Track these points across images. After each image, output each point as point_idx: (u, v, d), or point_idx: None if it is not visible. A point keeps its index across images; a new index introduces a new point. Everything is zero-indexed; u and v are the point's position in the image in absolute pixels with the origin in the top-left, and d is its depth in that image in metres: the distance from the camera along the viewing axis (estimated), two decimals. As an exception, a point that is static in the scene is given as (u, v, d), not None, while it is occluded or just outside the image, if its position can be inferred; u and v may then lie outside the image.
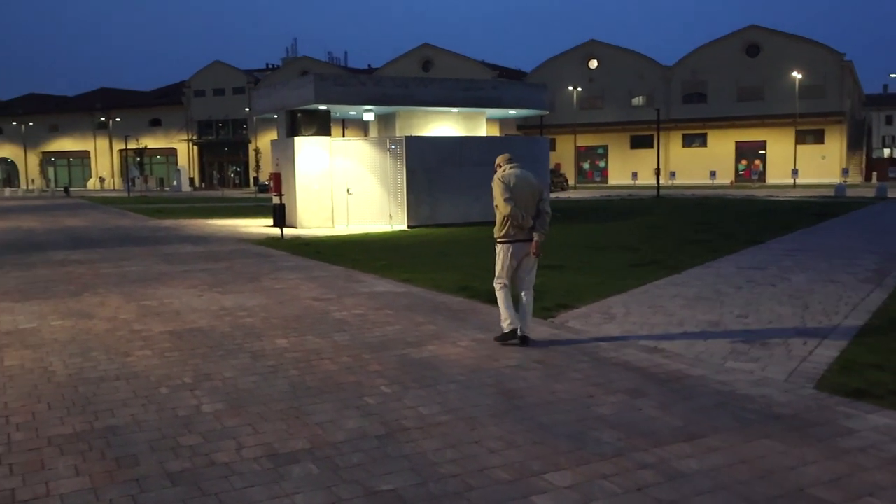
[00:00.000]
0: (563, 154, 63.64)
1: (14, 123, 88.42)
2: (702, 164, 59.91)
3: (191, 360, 6.70)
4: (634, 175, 59.26)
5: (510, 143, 25.56)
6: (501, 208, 6.96)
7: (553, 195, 26.65)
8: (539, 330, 7.68)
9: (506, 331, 7.04)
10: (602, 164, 65.65)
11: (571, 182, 60.55)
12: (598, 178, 65.39)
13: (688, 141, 62.23)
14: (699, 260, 12.85)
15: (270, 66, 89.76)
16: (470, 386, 5.79)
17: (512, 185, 6.96)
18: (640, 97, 63.58)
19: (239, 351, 7.02)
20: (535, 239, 6.92)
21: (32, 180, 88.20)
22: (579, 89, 63.16)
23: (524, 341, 7.00)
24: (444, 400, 5.45)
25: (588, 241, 16.72)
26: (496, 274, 7.13)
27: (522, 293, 7.07)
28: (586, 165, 65.99)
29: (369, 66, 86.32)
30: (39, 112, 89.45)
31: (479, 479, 4.07)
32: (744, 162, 60.84)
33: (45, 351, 7.16)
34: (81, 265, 13.80)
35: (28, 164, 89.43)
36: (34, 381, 6.14)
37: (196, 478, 4.16)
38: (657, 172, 43.24)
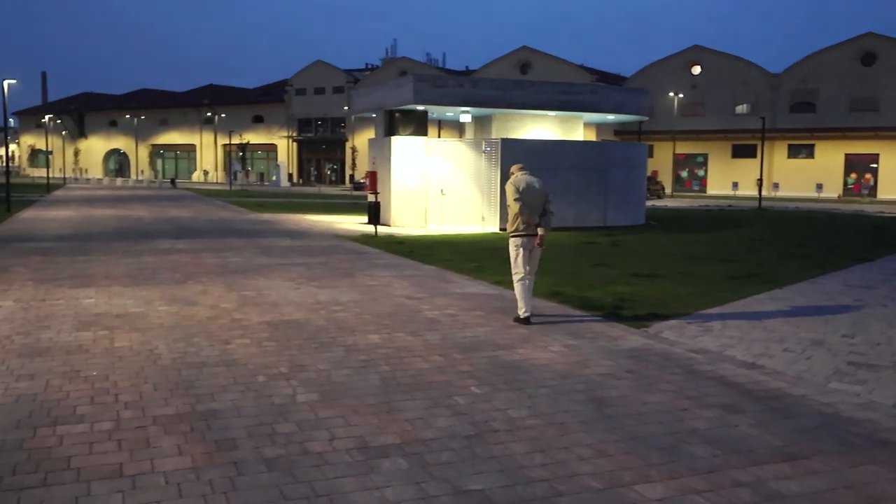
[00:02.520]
0: (661, 161, 62.26)
1: (127, 117, 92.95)
2: (808, 177, 57.53)
3: (287, 351, 6.89)
4: (735, 185, 57.46)
5: (606, 148, 25.21)
6: (512, 207, 8.24)
7: (649, 203, 26.14)
8: (631, 339, 7.57)
9: (521, 317, 8.27)
10: (701, 172, 63.89)
11: (668, 190, 59.21)
12: (696, 187, 63.68)
13: (794, 152, 59.86)
14: (803, 275, 12.36)
15: (369, 66, 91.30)
16: (560, 391, 5.75)
17: (521, 189, 8.21)
18: (745, 105, 61.56)
19: (333, 344, 7.18)
20: (539, 233, 8.19)
21: (142, 171, 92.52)
22: (680, 95, 61.68)
23: (527, 321, 8.24)
24: (533, 404, 5.43)
25: (685, 251, 16.33)
26: (513, 267, 8.36)
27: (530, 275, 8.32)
28: (684, 174, 64.37)
29: (467, 67, 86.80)
30: (151, 106, 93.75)
31: (569, 485, 4.04)
32: (853, 175, 58.09)
33: (152, 335, 7.49)
34: (186, 254, 14.38)
35: (139, 155, 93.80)
36: (141, 362, 6.44)
37: (290, 465, 4.28)
38: (759, 183, 41.78)
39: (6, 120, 28.95)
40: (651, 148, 55.76)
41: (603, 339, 7.55)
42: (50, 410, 5.14)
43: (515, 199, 8.17)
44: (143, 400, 5.41)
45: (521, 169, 8.57)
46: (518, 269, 8.26)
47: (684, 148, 62.16)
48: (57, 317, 8.29)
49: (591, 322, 8.39)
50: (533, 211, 8.18)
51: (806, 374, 6.32)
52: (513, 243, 8.32)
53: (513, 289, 8.47)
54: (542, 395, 5.66)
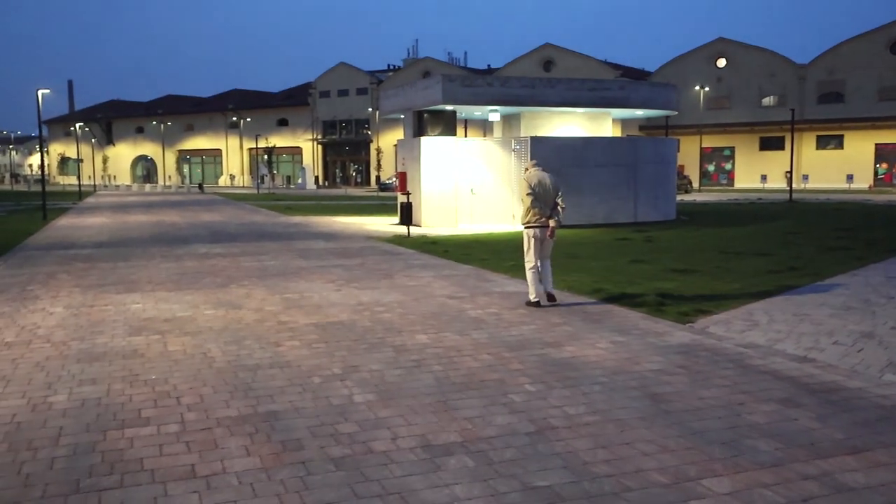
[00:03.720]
0: (687, 155, 61.73)
1: (154, 123, 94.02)
2: (837, 168, 56.81)
3: (337, 352, 6.97)
4: (763, 178, 56.89)
5: (636, 143, 25.09)
6: (525, 201, 9.03)
7: (677, 198, 25.97)
8: (678, 335, 7.57)
9: (532, 301, 9.09)
10: (728, 166, 63.35)
11: (695, 184, 58.78)
12: (723, 181, 63.15)
13: (822, 143, 59.13)
14: (843, 268, 12.25)
15: (392, 67, 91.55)
16: (614, 388, 5.77)
17: (533, 184, 9.00)
18: (771, 97, 60.93)
19: (381, 345, 7.25)
20: (551, 224, 9.01)
21: (169, 177, 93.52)
22: (706, 89, 61.21)
23: (551, 298, 9.16)
24: (589, 401, 5.46)
25: (719, 245, 16.23)
26: (525, 256, 9.19)
27: (544, 262, 9.19)
28: (711, 167, 63.86)
29: (489, 66, 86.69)
30: (177, 112, 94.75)
31: (636, 480, 4.07)
32: (884, 165, 57.26)
33: (203, 338, 7.62)
34: (224, 258, 14.55)
35: (166, 161, 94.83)
36: (197, 365, 6.55)
37: (357, 464, 4.34)
38: (789, 175, 41.35)
39: (41, 129, 29.41)
40: (677, 142, 55.33)
41: (650, 335, 7.55)
42: (116, 414, 5.26)
43: (528, 194, 8.99)
44: (204, 402, 5.51)
45: (534, 165, 9.41)
46: (530, 258, 9.09)
47: (711, 142, 61.65)
48: (108, 322, 8.44)
49: (636, 318, 8.39)
50: (544, 205, 9.02)
51: (859, 367, 6.28)
52: (526, 234, 9.15)
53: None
54: (597, 391, 5.69)
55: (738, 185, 61.53)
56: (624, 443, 4.63)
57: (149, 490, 4.01)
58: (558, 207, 9.09)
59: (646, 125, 59.51)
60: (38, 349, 7.17)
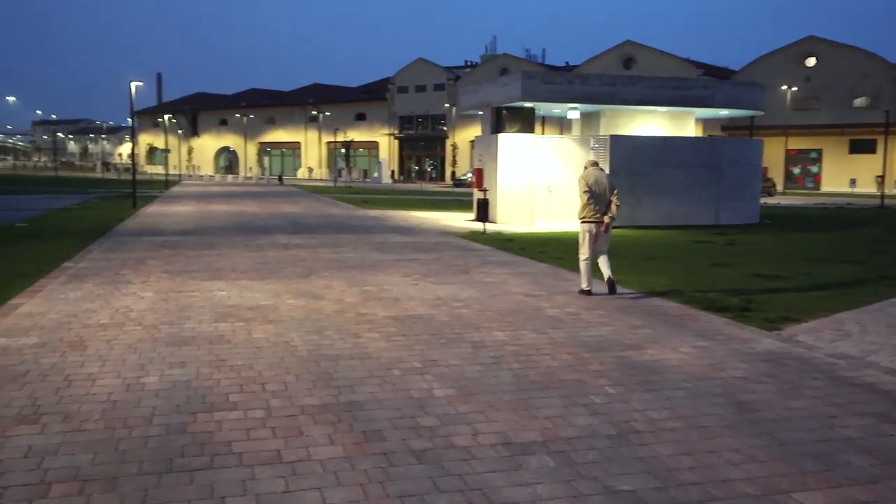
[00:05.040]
0: (772, 157, 59.85)
1: (237, 116, 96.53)
2: (933, 173, 54.29)
3: (416, 346, 7.02)
4: (852, 182, 54.76)
5: (719, 144, 24.48)
6: (582, 198, 9.73)
7: (761, 201, 25.24)
8: (764, 342, 7.36)
9: (584, 289, 9.80)
10: (815, 169, 61.25)
11: (779, 187, 56.99)
12: (809, 184, 61.08)
13: (917, 147, 56.57)
14: (940, 278, 11.70)
15: (469, 63, 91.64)
16: (698, 394, 5.65)
17: (590, 182, 9.70)
18: (863, 98, 58.61)
19: (460, 340, 7.27)
20: (605, 220, 9.67)
21: (250, 168, 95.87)
22: (794, 89, 59.26)
23: (612, 286, 9.75)
24: (672, 406, 5.36)
25: (806, 251, 15.71)
26: (580, 248, 9.90)
27: (601, 255, 9.89)
28: (797, 170, 61.85)
29: (567, 63, 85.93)
30: (259, 105, 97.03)
31: (723, 489, 3.98)
32: (984, 172, 54.42)
33: (285, 327, 7.78)
34: (304, 249, 14.84)
35: (247, 153, 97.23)
36: (280, 353, 6.70)
37: (438, 458, 4.37)
38: (881, 180, 39.68)
39: (134, 120, 30.54)
40: (762, 143, 53.68)
41: (734, 341, 7.37)
42: (205, 397, 5.42)
43: (584, 191, 9.70)
44: (288, 390, 5.63)
45: (592, 164, 10.06)
46: (584, 251, 9.82)
47: (797, 143, 59.71)
48: (195, 308, 8.71)
49: (719, 324, 8.20)
50: (600, 202, 9.70)
51: (960, 384, 5.99)
52: (581, 229, 9.86)
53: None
54: (680, 396, 5.58)
55: (824, 188, 59.43)
56: (709, 451, 4.53)
57: (237, 473, 4.12)
58: (612, 205, 9.69)
59: (728, 125, 58.02)
60: (130, 331, 7.45)
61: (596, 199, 9.69)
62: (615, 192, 9.82)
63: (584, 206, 9.78)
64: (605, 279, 9.82)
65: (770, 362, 6.59)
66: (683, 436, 4.77)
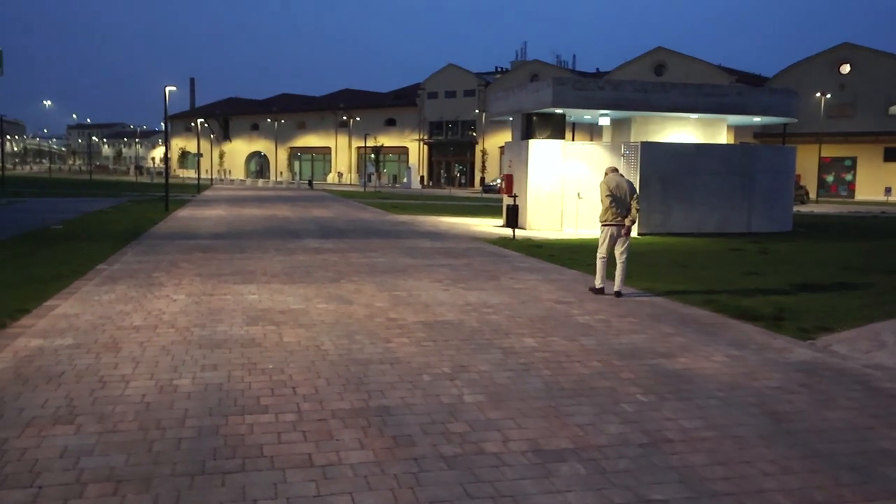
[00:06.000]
0: (805, 165, 59.04)
1: (268, 121, 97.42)
2: (971, 182, 53.21)
3: (446, 351, 7.02)
4: (888, 191, 53.85)
5: (752, 151, 24.20)
6: (604, 202, 10.20)
7: (794, 209, 24.91)
8: (798, 351, 7.26)
9: (597, 287, 10.36)
10: (849, 177, 60.31)
11: (812, 195, 56.20)
12: (843, 193, 60.16)
13: (955, 155, 55.53)
14: (980, 289, 11.44)
15: (499, 69, 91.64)
16: (731, 403, 5.58)
17: (612, 187, 10.14)
18: (900, 105, 57.61)
19: (490, 346, 7.26)
20: (626, 224, 10.17)
21: (280, 173, 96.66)
22: (828, 96, 58.45)
23: (618, 295, 10.09)
24: (705, 415, 5.30)
25: (840, 260, 15.47)
26: (599, 248, 10.38)
27: (620, 259, 10.22)
28: (830, 178, 60.95)
29: (597, 69, 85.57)
30: (290, 110, 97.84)
31: (757, 500, 3.92)
32: None
33: (316, 331, 7.82)
34: (334, 254, 14.91)
35: (278, 157, 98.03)
36: (311, 357, 6.74)
37: (469, 464, 4.36)
38: (917, 189, 38.93)
39: (167, 124, 30.95)
40: (795, 151, 52.98)
41: (768, 350, 7.27)
42: (236, 400, 5.47)
43: (606, 196, 10.16)
44: (318, 394, 5.66)
45: (613, 170, 10.51)
46: (602, 251, 10.33)
47: (830, 151, 58.85)
48: (227, 311, 8.79)
49: (753, 332, 8.09)
50: (621, 206, 10.14)
51: None
52: (603, 230, 10.37)
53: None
54: (713, 406, 5.52)
55: (858, 196, 58.50)
56: (743, 461, 4.47)
57: (269, 476, 4.15)
58: (633, 210, 10.17)
59: (761, 132, 57.42)
60: (163, 334, 7.54)
61: (617, 202, 10.13)
62: (635, 195, 10.26)
63: (605, 210, 10.25)
64: (614, 292, 10.19)
65: (804, 372, 6.49)
66: (717, 445, 4.72)
